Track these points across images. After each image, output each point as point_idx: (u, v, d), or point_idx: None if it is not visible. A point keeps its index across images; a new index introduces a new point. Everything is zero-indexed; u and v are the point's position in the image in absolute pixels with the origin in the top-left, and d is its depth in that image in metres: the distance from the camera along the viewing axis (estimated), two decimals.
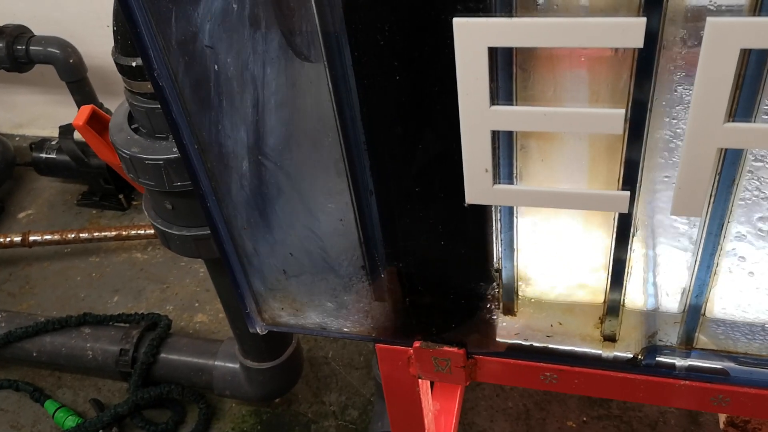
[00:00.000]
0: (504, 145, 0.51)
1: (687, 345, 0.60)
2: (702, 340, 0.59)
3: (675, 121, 0.48)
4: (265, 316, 0.70)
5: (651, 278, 0.58)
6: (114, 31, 0.84)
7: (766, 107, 0.44)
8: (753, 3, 0.40)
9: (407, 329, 0.66)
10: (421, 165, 0.53)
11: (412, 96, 0.50)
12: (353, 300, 0.66)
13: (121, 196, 1.94)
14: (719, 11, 0.41)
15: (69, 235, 1.75)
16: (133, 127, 0.93)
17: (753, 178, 0.50)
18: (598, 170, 0.52)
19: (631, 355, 0.62)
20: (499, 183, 0.52)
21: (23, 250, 1.82)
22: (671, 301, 0.59)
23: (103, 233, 1.76)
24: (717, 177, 0.49)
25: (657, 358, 0.61)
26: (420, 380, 0.72)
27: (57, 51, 1.76)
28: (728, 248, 0.54)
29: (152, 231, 1.71)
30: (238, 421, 1.42)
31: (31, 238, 1.76)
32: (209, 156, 0.58)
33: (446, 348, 0.66)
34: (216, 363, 1.38)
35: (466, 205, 0.54)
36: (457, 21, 0.44)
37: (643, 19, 0.41)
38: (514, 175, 0.53)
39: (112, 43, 0.85)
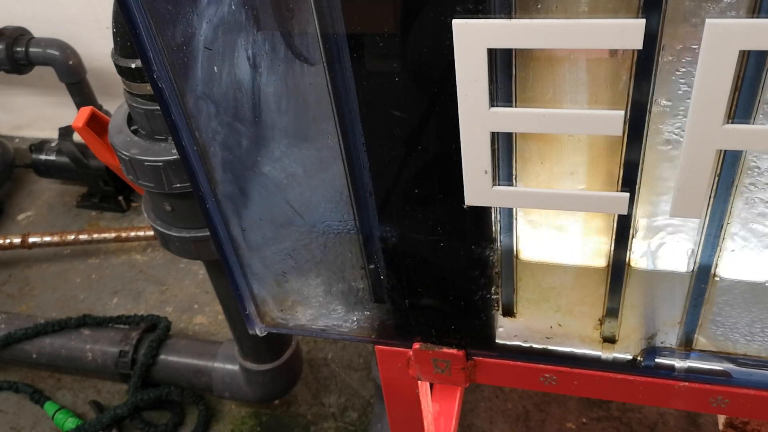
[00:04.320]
0: (503, 147, 0.51)
1: (686, 346, 0.60)
2: (701, 341, 0.60)
3: (674, 122, 0.48)
4: (265, 318, 0.70)
5: (650, 278, 0.58)
6: (113, 32, 0.84)
7: (765, 108, 0.45)
8: (752, 4, 0.40)
9: (407, 331, 0.66)
10: (421, 166, 0.53)
11: (412, 97, 0.50)
12: (353, 301, 0.66)
13: (120, 198, 1.94)
14: (718, 12, 0.41)
15: (68, 237, 1.75)
16: (132, 128, 0.93)
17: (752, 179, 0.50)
18: (598, 172, 0.52)
19: (631, 357, 0.62)
20: (499, 184, 0.52)
21: (23, 252, 1.82)
22: (671, 301, 0.59)
23: (102, 235, 1.76)
24: (716, 178, 0.49)
25: (656, 360, 0.61)
26: (419, 382, 0.72)
27: (56, 53, 1.76)
28: (727, 249, 0.54)
29: (151, 233, 1.72)
30: (238, 422, 1.42)
31: (31, 239, 1.76)
32: (208, 157, 0.58)
33: (446, 349, 0.66)
34: (215, 365, 1.38)
35: (465, 206, 0.54)
36: (456, 22, 0.44)
37: (642, 21, 0.41)
38: (514, 176, 0.53)
39: (111, 45, 0.85)
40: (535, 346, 0.64)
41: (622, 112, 0.45)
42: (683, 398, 0.62)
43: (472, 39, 0.44)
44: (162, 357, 1.42)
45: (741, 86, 0.43)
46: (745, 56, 0.42)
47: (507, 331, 0.64)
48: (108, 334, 1.47)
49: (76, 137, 1.85)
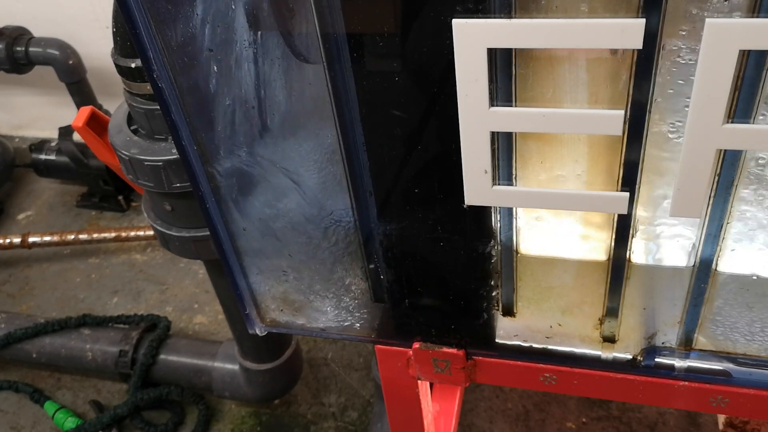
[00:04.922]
0: (503, 146, 0.51)
1: (686, 346, 0.60)
2: (701, 341, 0.60)
3: (674, 122, 0.48)
4: (265, 318, 0.70)
5: (651, 276, 0.58)
6: (113, 32, 0.84)
7: (765, 108, 0.45)
8: (752, 4, 0.40)
9: (407, 330, 0.66)
10: (421, 166, 0.53)
11: (412, 97, 0.50)
12: (353, 301, 0.66)
13: (120, 198, 1.94)
14: (718, 12, 0.41)
15: (68, 237, 1.75)
16: (132, 128, 0.93)
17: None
18: (598, 171, 0.52)
19: (631, 356, 0.62)
20: (499, 184, 0.52)
21: (23, 252, 1.82)
22: (671, 301, 0.59)
23: (102, 235, 1.76)
24: (716, 178, 0.49)
25: (656, 359, 0.61)
26: (419, 381, 0.72)
27: (56, 52, 1.76)
28: (728, 249, 0.54)
29: (151, 232, 1.72)
30: (238, 422, 1.42)
31: (31, 239, 1.76)
32: (208, 157, 0.58)
33: (446, 349, 0.66)
34: (215, 364, 1.38)
35: (465, 206, 0.54)
36: (456, 22, 0.44)
37: (642, 20, 0.41)
38: (514, 176, 0.53)
39: (111, 45, 0.85)
40: (535, 345, 0.64)
41: (622, 112, 0.45)
42: (683, 398, 0.62)
43: (472, 39, 0.44)
44: (162, 357, 1.42)
45: (741, 86, 0.43)
46: (745, 56, 0.42)
47: (507, 331, 0.64)
48: (108, 334, 1.47)
49: (76, 137, 1.85)
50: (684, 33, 0.43)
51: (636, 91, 0.45)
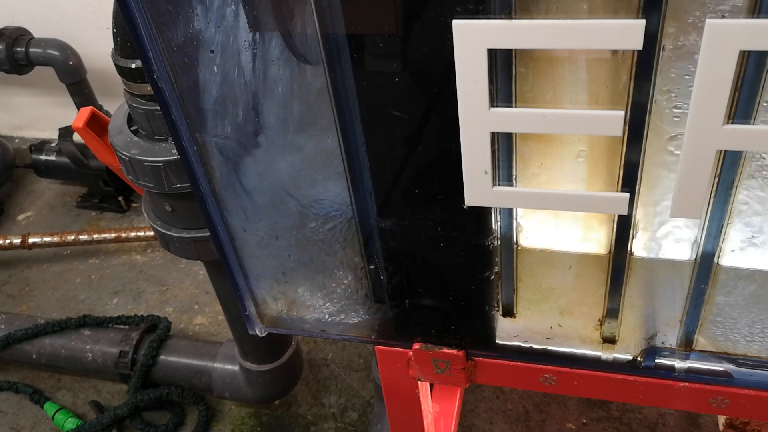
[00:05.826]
0: (503, 147, 0.51)
1: (686, 347, 0.60)
2: (701, 341, 0.60)
3: (675, 122, 0.48)
4: (265, 318, 0.70)
5: (651, 276, 0.58)
6: (113, 32, 0.84)
7: (765, 108, 0.44)
8: (752, 4, 0.40)
9: (407, 331, 0.66)
10: (421, 166, 0.53)
11: (412, 97, 0.50)
12: (353, 302, 0.66)
13: (120, 198, 1.94)
14: (719, 12, 0.41)
15: (68, 237, 1.75)
16: (132, 129, 0.93)
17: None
18: (598, 172, 0.52)
19: (631, 357, 0.62)
20: (499, 185, 0.52)
21: (23, 252, 1.82)
22: (671, 301, 0.59)
23: (102, 235, 1.76)
24: (716, 179, 0.49)
25: (656, 360, 0.61)
26: (419, 382, 0.72)
27: (56, 53, 1.76)
28: (728, 249, 0.54)
29: (152, 233, 1.72)
30: (238, 423, 1.42)
31: (31, 240, 1.76)
32: (208, 158, 0.58)
33: (446, 350, 0.66)
34: (215, 365, 1.38)
35: (465, 206, 0.54)
36: (456, 22, 0.44)
37: (642, 21, 0.41)
38: (514, 176, 0.53)
39: (111, 45, 0.85)
40: (535, 346, 0.64)
41: (622, 113, 0.45)
42: (683, 399, 0.62)
43: (472, 39, 0.44)
44: (162, 357, 1.42)
45: (741, 86, 0.43)
46: (745, 56, 0.42)
47: (507, 332, 0.64)
48: (108, 335, 1.47)
49: (76, 137, 1.85)
50: (684, 33, 0.43)
51: (636, 92, 0.45)
